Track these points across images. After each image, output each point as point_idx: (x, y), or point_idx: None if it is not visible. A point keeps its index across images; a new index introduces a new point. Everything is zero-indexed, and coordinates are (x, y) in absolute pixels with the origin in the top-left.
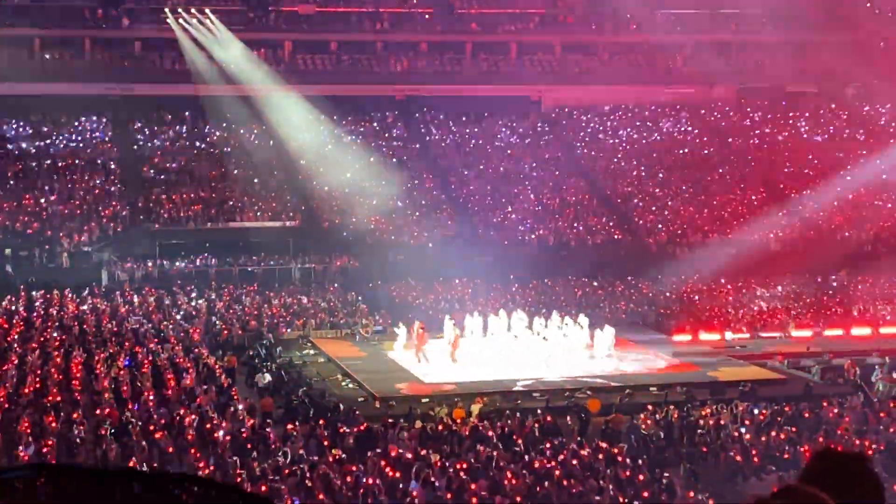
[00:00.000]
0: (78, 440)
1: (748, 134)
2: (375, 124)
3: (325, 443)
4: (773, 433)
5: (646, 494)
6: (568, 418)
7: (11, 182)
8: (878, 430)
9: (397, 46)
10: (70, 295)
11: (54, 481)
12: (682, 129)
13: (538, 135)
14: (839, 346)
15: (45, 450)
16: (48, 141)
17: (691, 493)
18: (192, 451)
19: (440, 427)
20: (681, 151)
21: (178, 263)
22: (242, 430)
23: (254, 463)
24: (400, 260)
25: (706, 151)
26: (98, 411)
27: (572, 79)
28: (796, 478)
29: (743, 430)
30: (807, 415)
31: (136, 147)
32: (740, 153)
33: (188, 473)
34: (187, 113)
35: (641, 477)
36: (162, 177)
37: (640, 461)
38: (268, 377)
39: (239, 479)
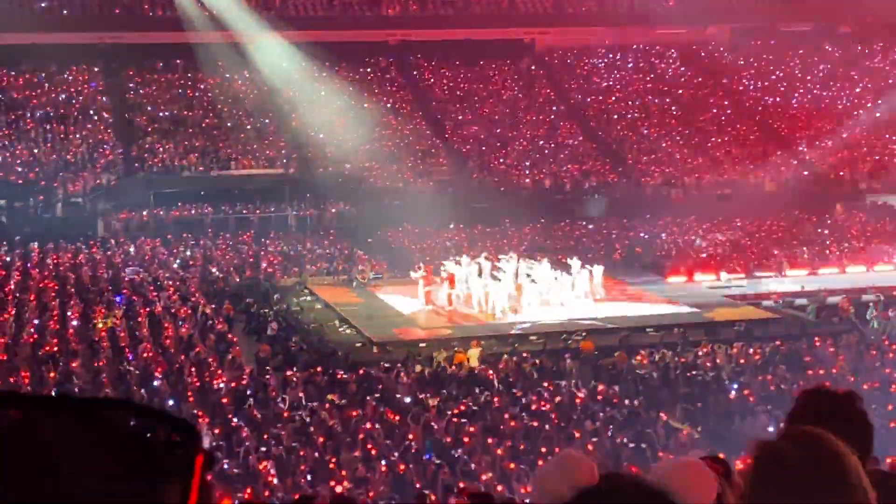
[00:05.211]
0: (76, 390)
1: (742, 74)
2: (369, 70)
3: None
4: (769, 373)
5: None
6: (567, 360)
7: (4, 132)
8: (873, 367)
9: None
10: (65, 245)
11: None
12: (676, 70)
13: (532, 78)
14: (834, 284)
15: None
16: (40, 90)
17: (686, 433)
18: (191, 399)
19: (438, 371)
20: (675, 93)
21: (173, 212)
22: (242, 377)
23: (253, 410)
24: (396, 206)
25: (700, 93)
26: (96, 361)
27: (565, 21)
28: (785, 416)
29: (738, 370)
30: (802, 354)
31: (128, 96)
32: (734, 94)
33: (123, 399)
34: (179, 60)
35: (637, 418)
36: (155, 125)
37: (636, 402)
38: (276, 327)
39: (236, 426)
